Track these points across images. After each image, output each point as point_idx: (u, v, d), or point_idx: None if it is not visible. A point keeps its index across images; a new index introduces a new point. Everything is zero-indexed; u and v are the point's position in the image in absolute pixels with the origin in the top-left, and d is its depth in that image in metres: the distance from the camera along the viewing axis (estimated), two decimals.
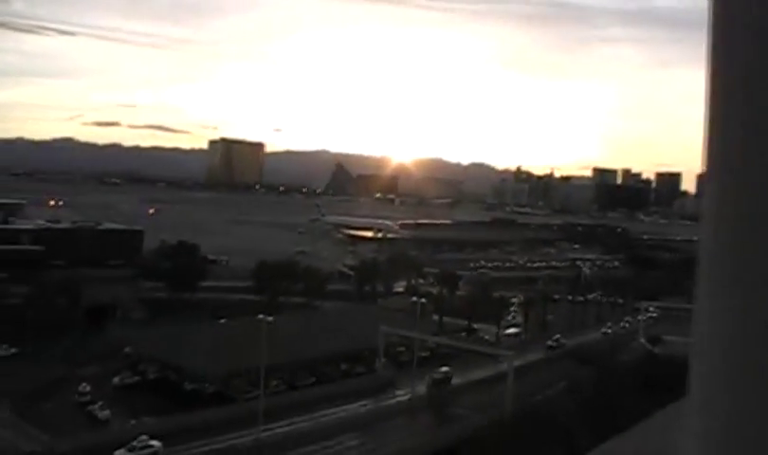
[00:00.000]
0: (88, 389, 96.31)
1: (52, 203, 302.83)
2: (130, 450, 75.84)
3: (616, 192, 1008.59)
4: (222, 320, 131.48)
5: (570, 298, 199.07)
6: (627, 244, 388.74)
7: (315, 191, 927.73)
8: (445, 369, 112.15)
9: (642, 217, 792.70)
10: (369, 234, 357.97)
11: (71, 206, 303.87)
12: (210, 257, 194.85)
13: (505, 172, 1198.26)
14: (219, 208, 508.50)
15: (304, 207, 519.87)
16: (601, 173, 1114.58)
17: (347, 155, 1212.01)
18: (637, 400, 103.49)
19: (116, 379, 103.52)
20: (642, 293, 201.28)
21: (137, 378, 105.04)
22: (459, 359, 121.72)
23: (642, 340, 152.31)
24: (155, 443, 77.23)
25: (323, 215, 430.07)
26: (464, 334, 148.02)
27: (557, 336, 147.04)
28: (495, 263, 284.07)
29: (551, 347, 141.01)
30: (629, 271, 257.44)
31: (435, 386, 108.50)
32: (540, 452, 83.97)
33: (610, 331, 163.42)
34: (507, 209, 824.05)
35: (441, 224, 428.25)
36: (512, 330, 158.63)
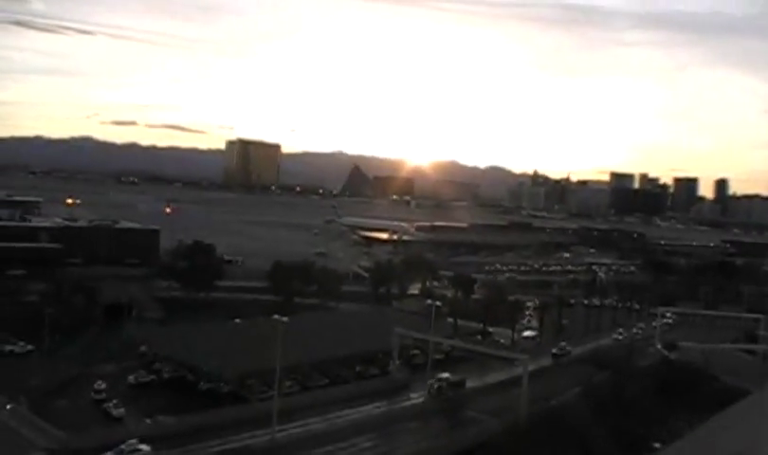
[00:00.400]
0: (104, 386, 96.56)
1: (70, 201, 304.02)
2: (118, 454, 74.19)
3: (633, 197, 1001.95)
4: (237, 320, 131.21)
5: (585, 302, 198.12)
6: (643, 248, 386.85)
7: (331, 192, 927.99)
8: (445, 375, 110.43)
9: (659, 222, 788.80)
10: (384, 236, 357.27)
11: (89, 204, 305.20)
12: (226, 257, 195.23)
13: (522, 175, 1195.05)
14: (235, 208, 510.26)
15: (320, 208, 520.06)
16: (618, 178, 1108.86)
17: (364, 157, 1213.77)
18: (653, 405, 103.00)
19: (131, 377, 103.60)
20: (658, 298, 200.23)
21: (152, 377, 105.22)
22: (474, 363, 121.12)
23: (658, 346, 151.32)
24: (143, 447, 75.69)
25: (339, 217, 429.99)
26: (479, 337, 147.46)
27: (563, 343, 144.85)
28: (511, 267, 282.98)
29: (556, 355, 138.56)
30: (645, 276, 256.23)
31: (438, 393, 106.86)
32: None
33: (621, 337, 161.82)
34: (524, 212, 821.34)
35: (457, 227, 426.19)
36: (529, 333, 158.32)
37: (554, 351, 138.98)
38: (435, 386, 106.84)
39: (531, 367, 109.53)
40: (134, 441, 75.86)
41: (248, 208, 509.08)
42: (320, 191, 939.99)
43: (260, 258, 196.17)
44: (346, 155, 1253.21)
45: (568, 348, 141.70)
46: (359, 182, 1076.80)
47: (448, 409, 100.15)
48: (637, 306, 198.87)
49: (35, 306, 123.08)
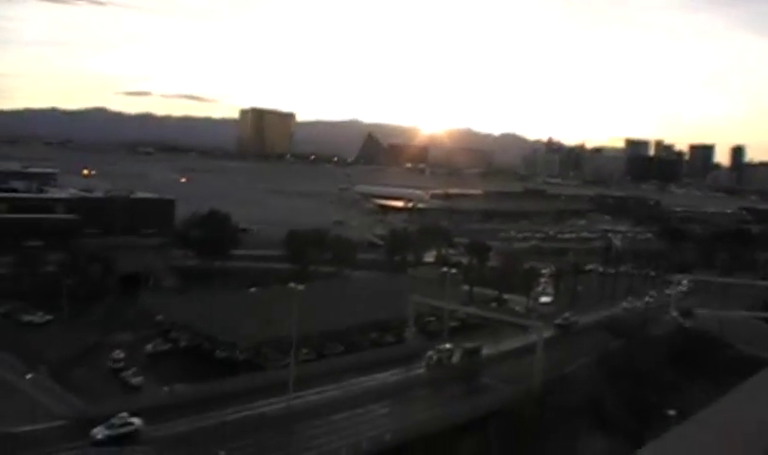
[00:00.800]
0: (121, 356, 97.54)
1: (85, 172, 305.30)
2: (108, 428, 72.60)
3: (649, 164, 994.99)
4: (252, 289, 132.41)
5: (601, 269, 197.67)
6: (659, 216, 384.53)
7: (345, 160, 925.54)
8: (447, 346, 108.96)
9: (674, 189, 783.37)
10: (399, 204, 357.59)
11: (104, 175, 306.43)
12: (241, 226, 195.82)
13: (537, 143, 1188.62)
14: (250, 177, 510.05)
15: (335, 176, 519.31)
16: (633, 145, 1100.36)
17: (378, 125, 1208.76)
18: (668, 373, 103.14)
19: (148, 346, 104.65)
20: (674, 266, 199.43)
21: (168, 345, 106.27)
22: (489, 330, 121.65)
23: (673, 314, 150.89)
24: (134, 420, 74.65)
25: (353, 185, 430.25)
26: (494, 304, 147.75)
27: (567, 313, 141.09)
28: (526, 234, 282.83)
29: (560, 325, 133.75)
30: (661, 243, 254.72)
31: (438, 364, 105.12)
32: (568, 424, 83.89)
33: (636, 304, 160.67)
34: (538, 180, 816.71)
35: (472, 194, 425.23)
36: (545, 299, 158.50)
37: (557, 321, 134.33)
38: (434, 357, 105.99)
39: (546, 334, 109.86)
40: (124, 414, 74.96)
41: (263, 176, 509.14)
42: (335, 159, 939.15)
43: (275, 226, 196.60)
44: (360, 124, 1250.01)
45: (573, 318, 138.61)
46: (374, 150, 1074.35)
47: (463, 376, 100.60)
48: (653, 273, 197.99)
49: (53, 277, 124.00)
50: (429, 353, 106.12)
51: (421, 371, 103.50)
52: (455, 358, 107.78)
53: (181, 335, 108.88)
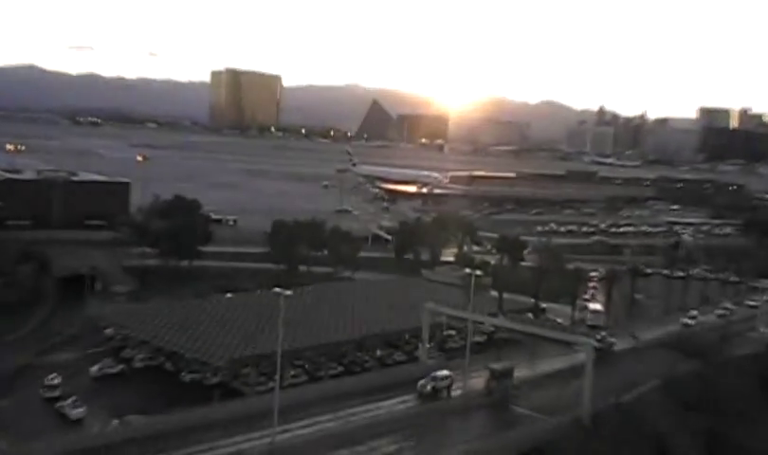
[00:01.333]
0: (58, 380, 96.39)
1: (11, 148, 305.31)
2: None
3: (730, 139, 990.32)
4: (229, 295, 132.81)
5: (666, 272, 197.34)
6: (743, 204, 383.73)
7: (345, 134, 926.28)
8: (443, 373, 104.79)
9: (763, 171, 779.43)
10: (411, 189, 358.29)
11: (36, 151, 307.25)
12: (215, 216, 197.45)
13: (585, 113, 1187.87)
14: (225, 155, 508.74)
15: (332, 154, 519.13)
16: (710, 114, 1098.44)
17: (385, 92, 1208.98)
18: (754, 404, 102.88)
19: (94, 368, 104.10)
20: (762, 268, 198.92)
21: (121, 367, 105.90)
22: (524, 347, 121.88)
23: (761, 329, 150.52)
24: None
25: (355, 165, 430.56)
26: (529, 315, 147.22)
27: (603, 333, 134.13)
28: (570, 228, 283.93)
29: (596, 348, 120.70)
30: (745, 240, 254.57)
31: (433, 394, 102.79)
32: None
33: (703, 318, 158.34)
34: (586, 159, 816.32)
35: (502, 177, 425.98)
36: (595, 308, 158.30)
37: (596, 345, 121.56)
38: (428, 387, 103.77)
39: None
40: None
41: (242, 154, 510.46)
42: (332, 132, 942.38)
43: (256, 216, 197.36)
44: (363, 89, 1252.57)
45: (609, 339, 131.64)
46: (380, 122, 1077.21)
47: (493, 404, 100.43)
48: (734, 278, 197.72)
49: None
50: (422, 381, 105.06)
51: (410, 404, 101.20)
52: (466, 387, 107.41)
53: (137, 352, 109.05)
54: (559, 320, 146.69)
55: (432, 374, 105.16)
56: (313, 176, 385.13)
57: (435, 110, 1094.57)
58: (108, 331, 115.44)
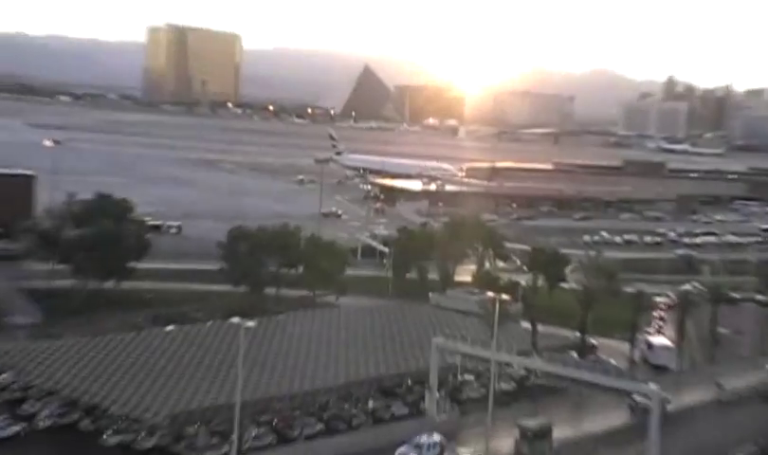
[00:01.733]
0: None
1: None
2: None
3: None
4: (170, 328, 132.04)
5: (761, 298, 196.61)
6: None
7: (328, 112, 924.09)
8: (436, 438, 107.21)
9: None
10: (415, 186, 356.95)
11: None
12: (152, 221, 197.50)
13: (647, 84, 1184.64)
14: (166, 139, 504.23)
15: (309, 139, 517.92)
16: None
17: (380, 60, 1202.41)
18: None
19: None
20: None
21: (20, 426, 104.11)
22: (566, 398, 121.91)
23: None
24: None
25: (340, 153, 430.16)
26: (573, 353, 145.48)
27: (638, 397, 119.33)
28: (628, 237, 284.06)
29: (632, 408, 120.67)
30: None
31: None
32: None
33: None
34: (650, 145, 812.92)
35: (537, 169, 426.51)
36: (663, 341, 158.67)
37: (629, 402, 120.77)
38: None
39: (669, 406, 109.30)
40: None
41: (189, 138, 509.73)
42: (309, 111, 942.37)
43: (208, 222, 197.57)
44: (347, 57, 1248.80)
45: (642, 404, 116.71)
46: (373, 96, 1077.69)
47: None
48: None
49: None
50: (401, 449, 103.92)
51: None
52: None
53: (42, 407, 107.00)
54: (614, 361, 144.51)
55: (416, 441, 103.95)
56: (284, 168, 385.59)
57: (447, 82, 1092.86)
58: (4, 376, 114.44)
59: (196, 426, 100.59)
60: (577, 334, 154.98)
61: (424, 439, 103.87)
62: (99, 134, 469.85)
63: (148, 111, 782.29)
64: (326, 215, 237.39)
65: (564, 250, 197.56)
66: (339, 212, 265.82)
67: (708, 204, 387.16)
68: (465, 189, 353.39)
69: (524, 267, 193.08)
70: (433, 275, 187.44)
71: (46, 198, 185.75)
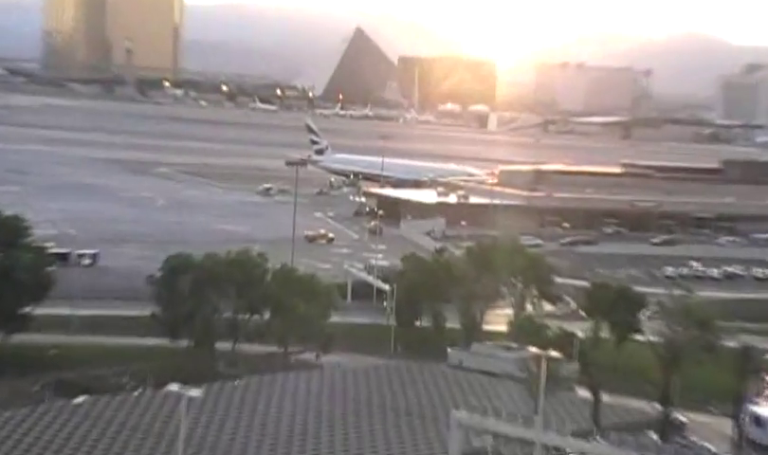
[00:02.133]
0: None
1: None
2: None
3: None
4: (80, 399, 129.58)
5: None
6: None
7: (306, 95, 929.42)
8: None
9: None
10: (427, 198, 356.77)
11: None
12: (54, 248, 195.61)
13: (756, 52, 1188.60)
14: (76, 132, 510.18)
15: (279, 132, 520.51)
16: None
17: (375, 21, 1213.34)
18: None
19: None
20: None
21: None
22: None
23: None
24: None
25: (322, 151, 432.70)
26: (652, 434, 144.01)
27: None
28: (729, 269, 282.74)
29: None
30: None
31: None
32: None
33: None
34: (761, 138, 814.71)
35: (598, 174, 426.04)
36: None
37: None
38: None
39: None
40: None
41: (107, 129, 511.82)
42: (279, 91, 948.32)
43: (135, 248, 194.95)
44: (334, 14, 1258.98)
45: None
46: (368, 73, 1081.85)
47: None
48: None
49: None
50: None
51: None
52: None
53: None
54: (711, 447, 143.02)
55: None
56: (244, 174, 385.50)
57: (471, 51, 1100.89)
58: None
59: None
60: (658, 406, 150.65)
61: None
62: None
63: (49, 92, 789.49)
64: (311, 239, 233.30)
65: (638, 288, 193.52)
66: (331, 236, 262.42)
67: None
68: (497, 201, 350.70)
69: (582, 312, 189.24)
70: (453, 323, 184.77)
71: None
